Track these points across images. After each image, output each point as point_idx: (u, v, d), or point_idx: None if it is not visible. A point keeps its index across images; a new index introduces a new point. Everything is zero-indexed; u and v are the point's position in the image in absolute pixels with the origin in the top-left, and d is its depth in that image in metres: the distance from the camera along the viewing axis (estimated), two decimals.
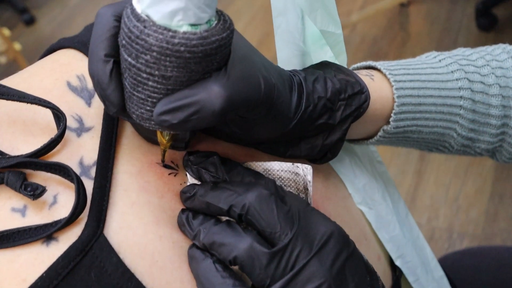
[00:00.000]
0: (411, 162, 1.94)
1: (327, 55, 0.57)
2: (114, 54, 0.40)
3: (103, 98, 0.41)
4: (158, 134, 0.45)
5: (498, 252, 1.01)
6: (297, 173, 0.47)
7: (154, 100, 0.39)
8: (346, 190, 0.61)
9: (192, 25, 0.37)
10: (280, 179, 0.48)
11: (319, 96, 0.48)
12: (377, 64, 0.60)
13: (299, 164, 0.47)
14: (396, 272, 0.65)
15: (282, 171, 0.47)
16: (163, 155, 0.47)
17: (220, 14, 0.40)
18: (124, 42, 0.39)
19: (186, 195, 0.45)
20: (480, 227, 1.76)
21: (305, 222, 0.43)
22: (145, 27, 0.37)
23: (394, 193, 0.69)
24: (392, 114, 0.57)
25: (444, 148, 0.64)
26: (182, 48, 0.37)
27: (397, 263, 0.63)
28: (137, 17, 0.38)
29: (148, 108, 0.40)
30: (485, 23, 2.27)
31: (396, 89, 0.56)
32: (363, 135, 0.60)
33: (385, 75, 0.58)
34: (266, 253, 0.41)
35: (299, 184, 0.47)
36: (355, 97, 0.51)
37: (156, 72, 0.38)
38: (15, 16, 2.87)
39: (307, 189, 0.47)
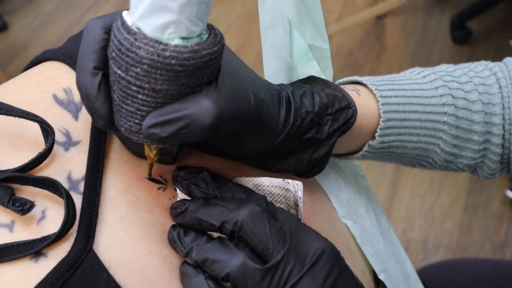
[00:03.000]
0: (387, 173, 1.96)
1: (313, 70, 0.58)
2: (103, 66, 0.40)
3: (91, 111, 0.40)
4: (146, 147, 0.44)
5: (476, 265, 1.02)
6: (287, 189, 0.47)
7: (143, 113, 0.39)
8: (331, 204, 0.62)
9: (183, 38, 0.37)
10: (271, 194, 0.48)
11: (307, 110, 0.49)
12: (363, 79, 0.60)
13: (289, 180, 0.47)
14: (380, 286, 0.65)
15: (272, 186, 0.47)
16: (150, 169, 0.46)
17: (210, 28, 0.40)
18: (113, 54, 0.38)
19: (176, 210, 0.45)
20: (455, 238, 1.78)
21: (297, 238, 0.43)
22: (135, 39, 0.37)
23: (377, 207, 0.70)
24: (377, 129, 0.57)
25: (427, 164, 0.64)
26: (173, 61, 0.37)
27: (381, 277, 0.64)
28: (128, 30, 0.37)
29: (137, 121, 0.40)
30: (459, 36, 2.30)
31: (382, 104, 0.57)
32: (348, 150, 0.61)
33: (371, 90, 0.58)
34: (259, 269, 0.41)
35: (289, 200, 0.47)
36: (342, 111, 0.52)
37: (146, 85, 0.38)
38: None
39: (298, 205, 0.47)
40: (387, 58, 2.37)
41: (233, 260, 0.41)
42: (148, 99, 0.38)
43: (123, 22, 0.38)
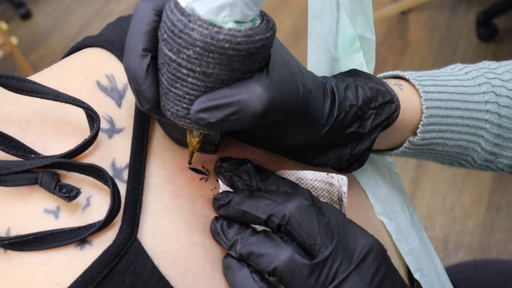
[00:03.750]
0: (408, 171, 1.94)
1: (355, 63, 0.57)
2: (152, 49, 0.39)
3: (138, 94, 0.40)
4: (188, 134, 0.43)
5: (503, 266, 1.00)
6: (331, 183, 0.46)
7: (192, 98, 0.38)
8: (368, 200, 0.61)
9: (237, 22, 0.37)
10: (314, 188, 0.47)
11: (351, 104, 0.48)
12: (405, 74, 0.59)
13: (334, 175, 0.46)
14: (414, 285, 0.64)
15: (315, 180, 0.46)
16: (191, 157, 0.46)
17: (263, 14, 0.39)
18: (165, 36, 0.37)
19: (219, 202, 0.44)
20: (476, 238, 1.76)
21: (344, 234, 0.42)
22: (189, 21, 0.36)
23: (409, 205, 0.69)
24: (419, 126, 0.56)
25: (466, 163, 0.63)
26: (226, 45, 0.36)
27: (416, 276, 0.63)
28: (182, 11, 0.37)
29: (184, 105, 0.39)
30: (485, 33, 2.27)
31: (425, 100, 0.56)
32: (388, 146, 0.59)
33: (413, 85, 0.57)
34: (307, 265, 0.40)
35: (333, 195, 0.46)
36: (385, 106, 0.51)
37: (197, 68, 0.37)
38: (11, 9, 2.84)
39: (342, 200, 0.46)
40: (410, 54, 2.34)
41: (280, 254, 0.40)
42: (198, 83, 0.38)
43: (177, 4, 0.37)
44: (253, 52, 0.37)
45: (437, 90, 0.57)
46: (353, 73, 0.53)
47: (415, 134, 0.57)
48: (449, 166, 0.66)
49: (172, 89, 0.39)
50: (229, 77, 0.38)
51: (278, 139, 0.47)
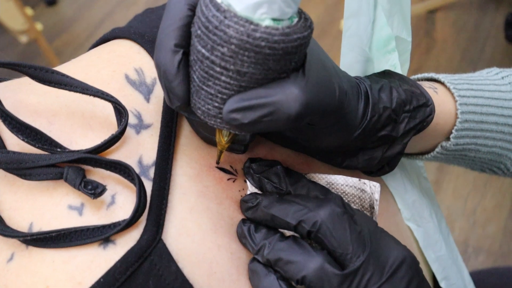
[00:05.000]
0: (430, 172, 1.91)
1: (388, 64, 0.55)
2: (184, 44, 0.37)
3: (168, 90, 0.38)
4: (217, 133, 0.42)
5: None
6: (363, 189, 0.45)
7: (224, 97, 0.37)
8: (396, 205, 0.59)
9: (274, 20, 0.35)
10: (344, 194, 0.45)
11: (385, 106, 0.46)
12: (440, 76, 0.57)
13: (366, 181, 0.44)
14: None
15: (347, 186, 0.45)
16: (219, 157, 0.44)
17: (300, 12, 0.38)
18: (199, 32, 0.36)
19: (247, 204, 0.43)
20: (497, 243, 1.73)
21: (376, 244, 0.40)
22: (225, 17, 0.35)
23: (438, 210, 0.67)
24: (453, 130, 0.54)
25: (499, 170, 0.61)
26: (263, 43, 0.34)
27: (442, 284, 0.61)
28: (217, 7, 0.35)
29: (216, 104, 0.37)
30: None
31: (460, 104, 0.54)
32: (419, 150, 0.58)
33: (448, 88, 0.55)
34: (337, 275, 0.38)
35: (364, 202, 0.45)
36: (419, 109, 0.49)
37: (231, 67, 0.35)
38: None
39: (373, 208, 0.45)
40: (436, 54, 2.31)
41: (310, 263, 0.39)
42: (232, 81, 0.36)
43: None
44: (290, 52, 0.36)
45: (473, 95, 0.55)
46: (387, 74, 0.51)
47: (448, 139, 0.55)
48: (479, 173, 0.64)
49: (204, 87, 0.37)
50: (263, 77, 0.36)
51: (309, 140, 0.46)
